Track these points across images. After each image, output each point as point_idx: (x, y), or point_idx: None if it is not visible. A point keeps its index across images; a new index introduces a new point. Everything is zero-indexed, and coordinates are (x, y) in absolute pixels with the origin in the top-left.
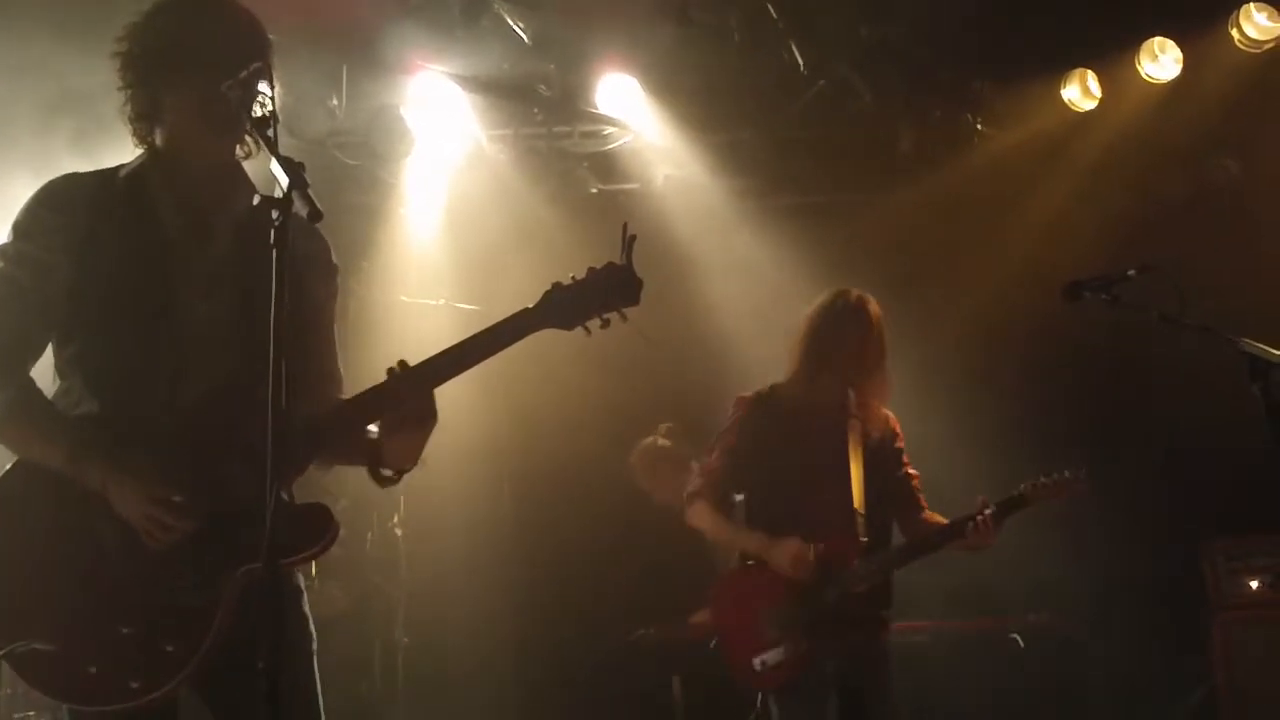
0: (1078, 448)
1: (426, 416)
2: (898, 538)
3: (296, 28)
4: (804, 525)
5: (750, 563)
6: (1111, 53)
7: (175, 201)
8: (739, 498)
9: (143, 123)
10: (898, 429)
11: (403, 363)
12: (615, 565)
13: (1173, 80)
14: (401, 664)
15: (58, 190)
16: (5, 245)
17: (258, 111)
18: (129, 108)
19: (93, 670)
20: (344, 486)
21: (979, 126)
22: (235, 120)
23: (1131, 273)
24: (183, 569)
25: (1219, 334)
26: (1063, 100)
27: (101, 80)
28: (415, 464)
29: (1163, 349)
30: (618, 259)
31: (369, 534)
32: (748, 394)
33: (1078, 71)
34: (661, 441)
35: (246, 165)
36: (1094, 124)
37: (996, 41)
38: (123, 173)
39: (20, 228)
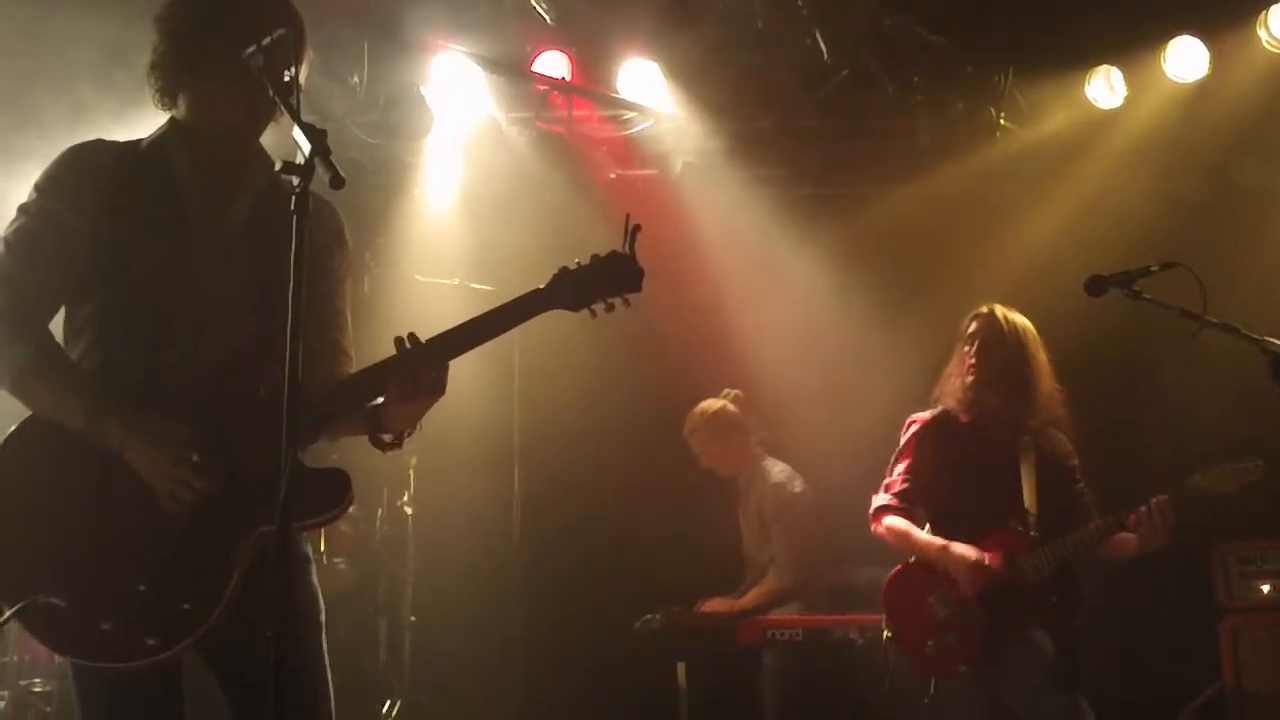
0: (1092, 446)
1: (437, 388)
2: None
3: (319, 4)
4: (975, 525)
5: (912, 560)
6: (1137, 50)
7: (196, 168)
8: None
9: (166, 94)
10: (1072, 449)
11: (413, 335)
12: (623, 549)
13: (1198, 80)
14: (408, 642)
15: (82, 152)
16: (28, 202)
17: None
18: (154, 76)
19: (106, 627)
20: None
21: (1001, 121)
22: (258, 88)
23: (1155, 268)
24: (199, 529)
25: (1241, 332)
26: (1086, 97)
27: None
28: (415, 429)
29: (1181, 348)
30: (621, 247)
31: (379, 512)
32: (925, 415)
33: (1102, 68)
34: (731, 408)
35: (270, 137)
36: (1118, 122)
37: (1021, 35)
38: (145, 141)
39: (43, 186)
